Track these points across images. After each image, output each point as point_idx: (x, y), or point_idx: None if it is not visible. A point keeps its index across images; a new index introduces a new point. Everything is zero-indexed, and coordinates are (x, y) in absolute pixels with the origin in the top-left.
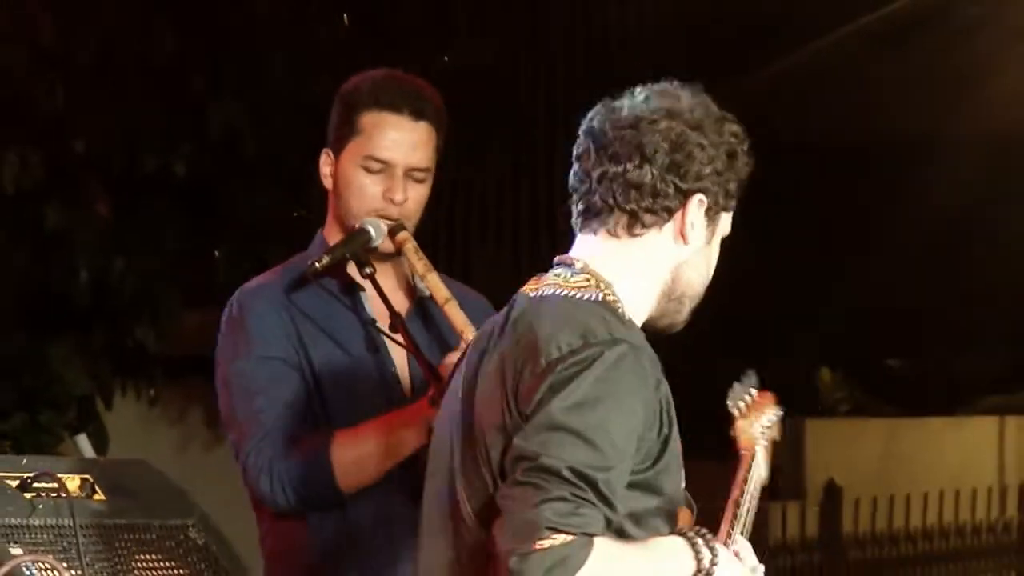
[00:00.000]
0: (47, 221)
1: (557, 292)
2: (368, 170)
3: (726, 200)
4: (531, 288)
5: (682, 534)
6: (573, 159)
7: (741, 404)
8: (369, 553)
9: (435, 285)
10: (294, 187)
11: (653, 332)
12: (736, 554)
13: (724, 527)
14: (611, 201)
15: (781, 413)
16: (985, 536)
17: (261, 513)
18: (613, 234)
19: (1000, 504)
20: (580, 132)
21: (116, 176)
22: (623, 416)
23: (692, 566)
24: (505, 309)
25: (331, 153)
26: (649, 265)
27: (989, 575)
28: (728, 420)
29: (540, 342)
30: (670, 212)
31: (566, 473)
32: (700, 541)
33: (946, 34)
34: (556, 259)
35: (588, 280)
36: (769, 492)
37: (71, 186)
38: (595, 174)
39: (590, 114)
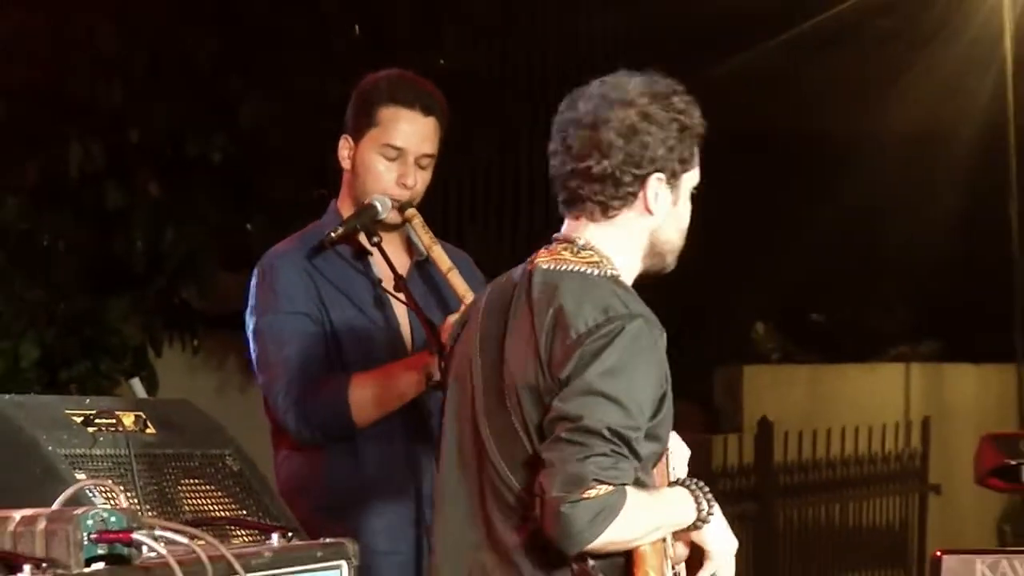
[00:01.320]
0: (107, 200)
1: (572, 268)
2: (385, 156)
3: (683, 166)
4: (545, 260)
5: (685, 485)
6: (549, 154)
7: None
8: (375, 480)
9: (439, 256)
10: (313, 170)
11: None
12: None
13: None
14: (582, 192)
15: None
16: (893, 463)
17: (279, 444)
18: (592, 218)
19: (906, 437)
20: (552, 129)
21: (165, 162)
22: (645, 381)
23: (693, 514)
24: (522, 275)
25: (350, 139)
26: (628, 238)
27: (896, 495)
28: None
29: (568, 316)
30: (633, 195)
31: (606, 433)
32: (700, 493)
33: (863, 44)
34: (557, 236)
35: (593, 256)
36: (713, 427)
37: (127, 171)
38: (566, 169)
39: (559, 109)
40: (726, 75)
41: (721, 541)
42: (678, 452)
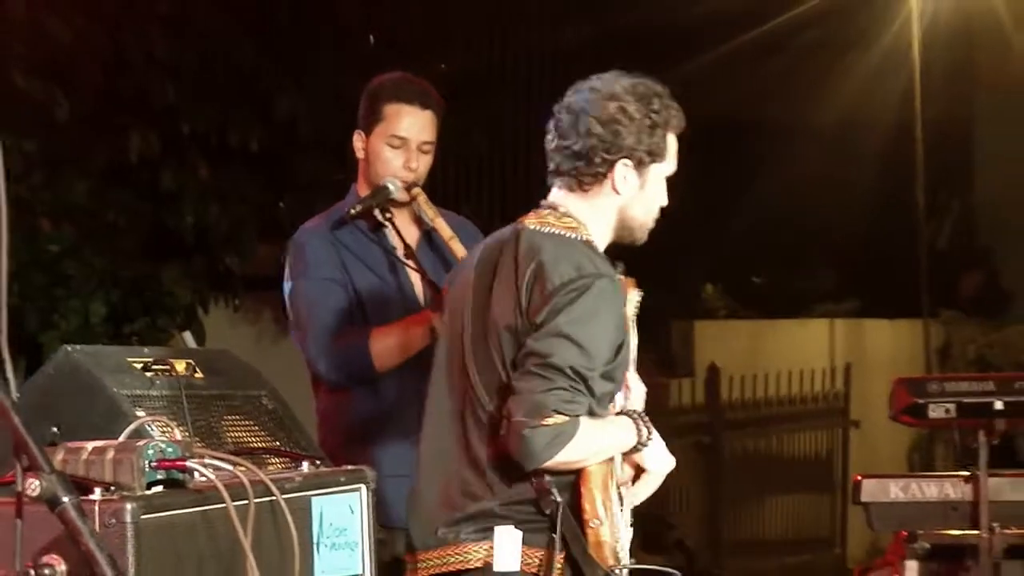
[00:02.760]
0: (162, 182)
1: (554, 231)
2: (391, 146)
3: (651, 157)
4: (532, 222)
5: (628, 415)
6: (547, 131)
7: None
8: (390, 416)
9: (442, 227)
10: (337, 157)
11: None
12: None
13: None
14: (563, 167)
15: (642, 294)
16: (820, 403)
17: (318, 388)
18: (571, 190)
19: (830, 381)
20: (553, 110)
21: (211, 149)
22: (606, 330)
23: (634, 439)
24: (511, 234)
25: (362, 133)
26: (599, 211)
27: (822, 430)
28: None
29: (546, 270)
30: (603, 175)
31: (568, 371)
32: (640, 420)
33: (795, 49)
34: (544, 202)
35: (572, 222)
36: (670, 372)
37: (179, 157)
38: (553, 145)
39: (566, 95)
40: (679, 75)
41: (658, 462)
42: (636, 389)
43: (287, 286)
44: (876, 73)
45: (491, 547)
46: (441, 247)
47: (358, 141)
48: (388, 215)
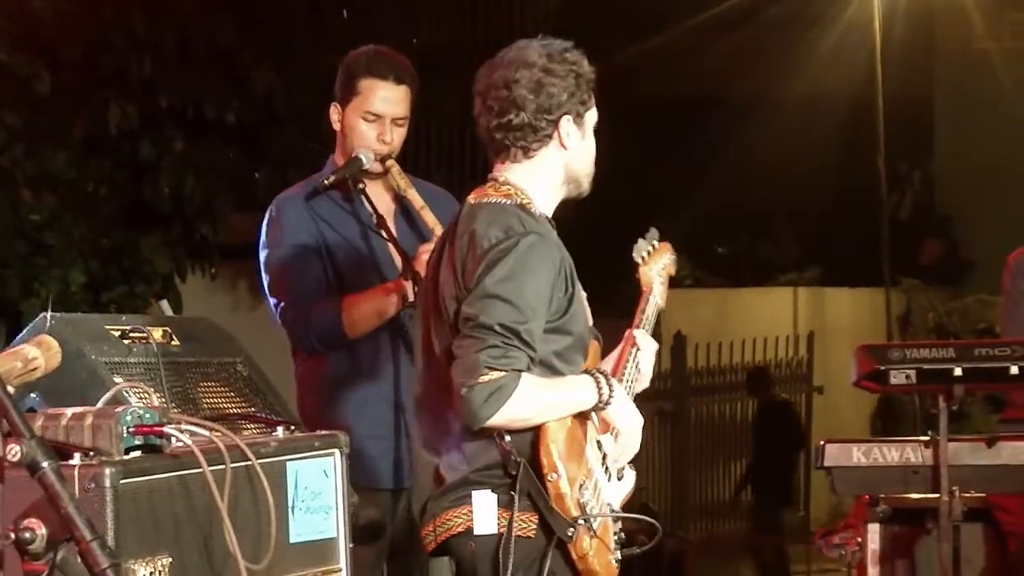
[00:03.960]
0: (141, 153)
1: (489, 200)
2: (366, 119)
3: (584, 107)
4: (473, 197)
5: (590, 373)
6: (475, 117)
7: (644, 254)
8: (366, 379)
9: (414, 197)
10: (311, 129)
11: (570, 204)
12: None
13: (626, 347)
14: (507, 142)
15: (674, 256)
16: (783, 369)
17: (296, 353)
18: (516, 160)
19: (794, 348)
20: (474, 94)
21: (188, 122)
22: (534, 284)
23: (595, 398)
24: (457, 211)
25: (338, 106)
26: (548, 171)
27: (785, 395)
28: (634, 269)
29: (478, 236)
30: (549, 137)
31: (497, 328)
32: (602, 379)
33: (760, 26)
34: (488, 176)
35: (510, 190)
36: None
37: (157, 129)
38: (491, 125)
39: (477, 79)
40: (646, 50)
41: (625, 418)
42: (647, 348)
43: (263, 253)
44: (838, 48)
45: (470, 511)
46: (414, 217)
47: (334, 114)
48: (361, 185)
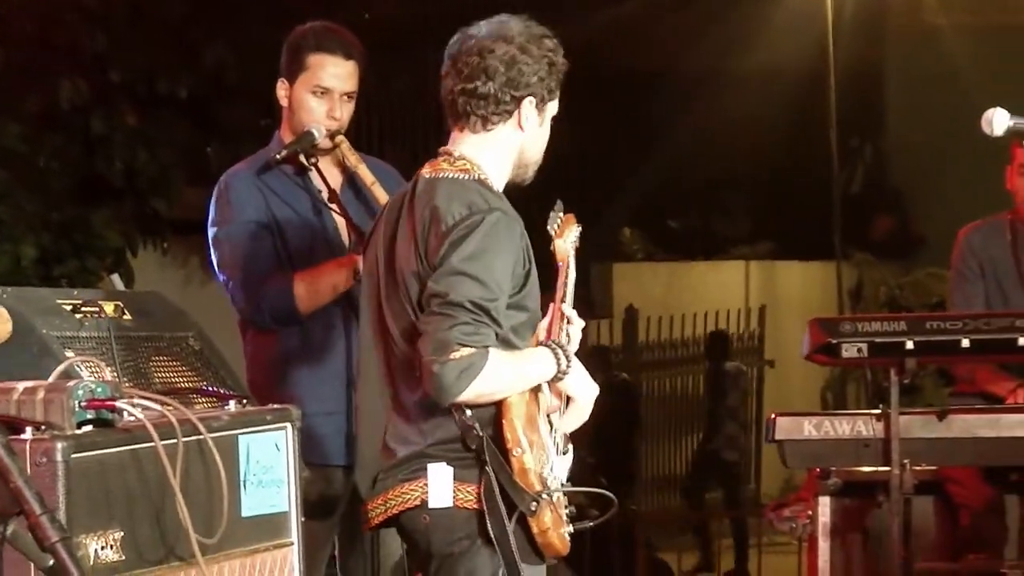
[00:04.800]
0: (92, 128)
1: (447, 175)
2: (315, 95)
3: (549, 95)
4: (428, 171)
5: (547, 345)
6: (442, 77)
7: (555, 226)
8: (316, 356)
9: (364, 172)
10: (263, 104)
11: (513, 187)
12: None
13: (556, 321)
14: (468, 108)
15: (580, 228)
16: (736, 342)
17: (246, 330)
18: (474, 131)
19: (746, 321)
20: (445, 56)
21: (140, 97)
22: (502, 261)
23: (554, 368)
24: (410, 185)
25: (286, 81)
26: (502, 149)
27: (738, 366)
28: (547, 243)
29: (440, 213)
30: (509, 113)
31: (468, 305)
32: (559, 351)
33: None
34: (440, 150)
35: (466, 164)
36: (589, 313)
37: (109, 104)
38: (457, 89)
39: (451, 42)
40: (600, 24)
41: (581, 389)
42: (577, 322)
43: (212, 230)
44: (791, 21)
45: (425, 484)
46: (363, 192)
47: (281, 89)
48: (313, 160)
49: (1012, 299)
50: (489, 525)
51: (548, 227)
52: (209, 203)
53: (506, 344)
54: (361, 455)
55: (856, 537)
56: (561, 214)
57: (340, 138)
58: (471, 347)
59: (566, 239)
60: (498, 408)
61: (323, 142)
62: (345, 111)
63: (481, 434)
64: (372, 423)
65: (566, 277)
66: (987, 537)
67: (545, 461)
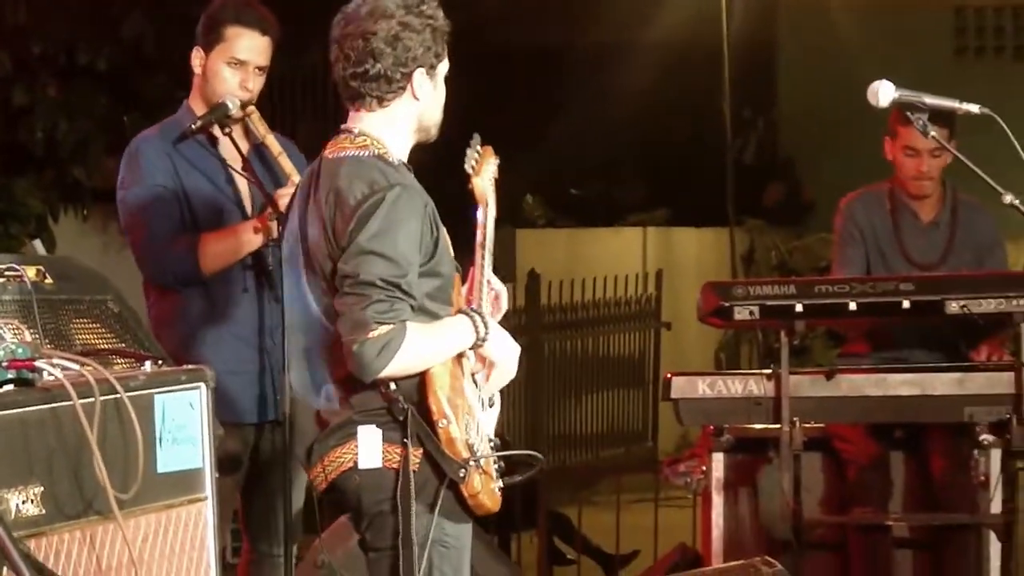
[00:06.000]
0: (14, 99)
1: (348, 154)
2: (230, 66)
3: (437, 59)
4: (330, 152)
5: (465, 312)
6: (331, 62)
7: (473, 163)
8: (222, 316)
9: (272, 143)
10: (177, 76)
11: (427, 149)
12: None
13: (477, 268)
14: (362, 91)
15: (497, 159)
16: (633, 306)
17: (149, 290)
18: (370, 109)
19: (643, 285)
20: (331, 41)
21: (61, 68)
22: (408, 235)
23: (473, 336)
24: (314, 166)
25: (202, 51)
26: (401, 121)
27: (636, 331)
28: (466, 181)
29: (343, 193)
30: (403, 88)
31: (379, 283)
32: (477, 317)
33: None
34: (341, 127)
35: (366, 141)
36: None
37: (31, 75)
38: (347, 74)
39: (334, 24)
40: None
41: (502, 351)
42: (500, 289)
43: (120, 192)
44: None
45: (356, 447)
46: (270, 162)
47: (196, 58)
48: (227, 130)
49: (892, 264)
50: (399, 497)
51: (465, 165)
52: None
53: (423, 312)
54: (298, 426)
55: (748, 491)
56: (478, 147)
57: (251, 108)
58: (388, 324)
59: (484, 176)
60: (422, 380)
61: (236, 112)
62: (257, 83)
63: (406, 406)
64: (310, 393)
65: (485, 217)
66: (873, 491)
67: (472, 425)
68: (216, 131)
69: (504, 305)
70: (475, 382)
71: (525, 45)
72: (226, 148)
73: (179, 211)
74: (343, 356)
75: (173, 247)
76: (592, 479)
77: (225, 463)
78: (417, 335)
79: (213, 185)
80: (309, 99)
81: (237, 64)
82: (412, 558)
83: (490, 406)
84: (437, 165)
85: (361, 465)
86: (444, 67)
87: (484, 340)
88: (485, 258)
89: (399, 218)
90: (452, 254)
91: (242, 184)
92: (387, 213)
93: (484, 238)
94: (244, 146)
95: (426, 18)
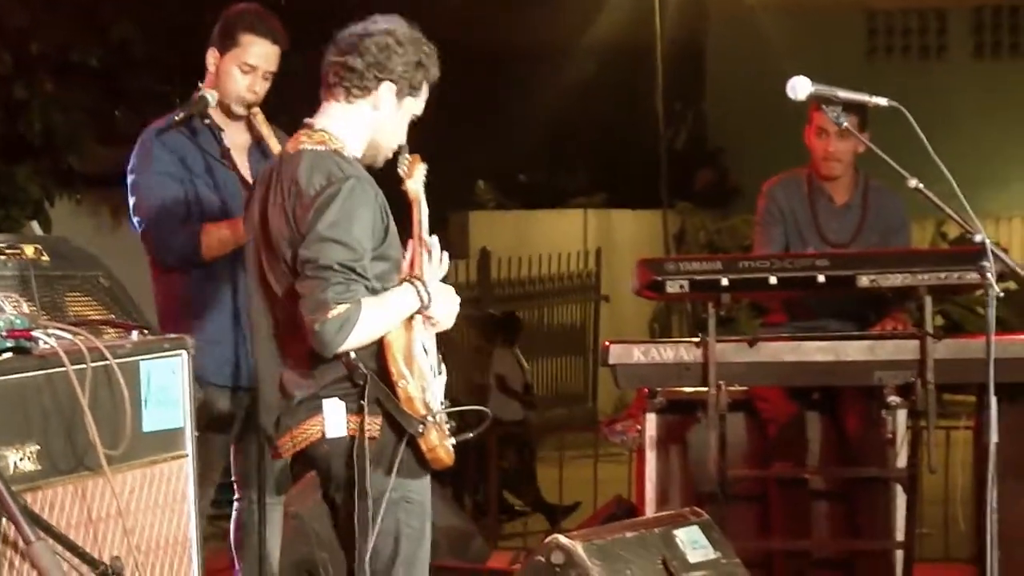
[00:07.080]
0: (15, 94)
1: (306, 147)
2: (241, 69)
3: (411, 90)
4: (290, 146)
5: (408, 280)
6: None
7: (404, 168)
8: (209, 293)
9: (274, 144)
10: (162, 73)
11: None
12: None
13: (418, 257)
14: (336, 79)
15: (425, 165)
16: (575, 280)
17: (155, 269)
18: (337, 100)
19: (584, 262)
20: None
21: (57, 66)
22: (361, 223)
23: (417, 301)
24: (277, 160)
25: (216, 52)
26: (359, 123)
27: (577, 303)
28: (401, 183)
29: (302, 185)
30: (369, 91)
31: (336, 267)
32: (419, 284)
33: None
34: (304, 122)
35: (324, 136)
36: (448, 256)
37: (30, 73)
38: (331, 61)
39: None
40: (457, 6)
41: (442, 309)
42: (436, 248)
43: (130, 177)
44: (622, 1)
45: (323, 419)
46: (271, 158)
47: (211, 57)
48: (207, 121)
49: (810, 243)
50: (355, 455)
51: (398, 169)
52: (116, 160)
53: (375, 293)
54: (263, 398)
55: (678, 448)
56: (407, 156)
57: (256, 110)
58: (345, 303)
59: (415, 179)
60: (379, 347)
61: (239, 111)
62: (263, 87)
63: (365, 371)
64: (269, 370)
65: (420, 212)
66: (791, 448)
67: (426, 386)
68: (198, 123)
69: (439, 258)
70: (425, 350)
71: (477, 46)
72: (219, 140)
73: (184, 197)
74: (304, 334)
75: (178, 232)
76: (537, 437)
77: (216, 424)
78: (370, 309)
79: (210, 173)
80: (288, 99)
81: (248, 69)
82: (367, 510)
83: (439, 374)
84: (392, 164)
85: (328, 435)
86: (413, 105)
87: (428, 305)
88: (423, 243)
89: (354, 207)
90: (399, 240)
91: (245, 173)
92: (343, 203)
93: (420, 229)
94: (244, 140)
95: (422, 54)
